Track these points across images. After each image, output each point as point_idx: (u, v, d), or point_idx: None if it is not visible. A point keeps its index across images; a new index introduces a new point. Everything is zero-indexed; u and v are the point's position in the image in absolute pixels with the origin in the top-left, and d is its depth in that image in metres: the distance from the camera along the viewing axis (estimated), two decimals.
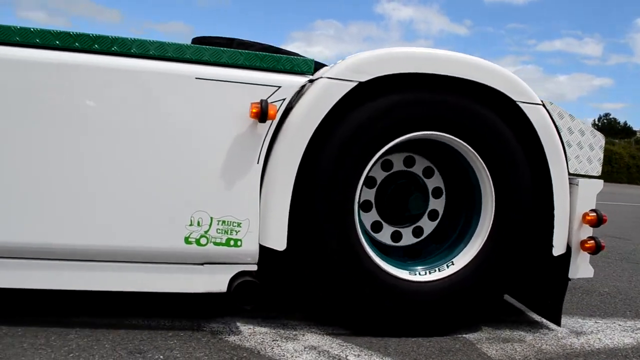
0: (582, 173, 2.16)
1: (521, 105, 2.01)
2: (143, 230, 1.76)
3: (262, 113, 1.72)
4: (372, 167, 2.00)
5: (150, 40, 1.76)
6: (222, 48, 1.83)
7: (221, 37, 2.54)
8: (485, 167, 2.03)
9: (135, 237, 1.76)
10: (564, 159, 2.08)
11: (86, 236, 1.73)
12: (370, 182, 2.15)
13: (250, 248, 1.83)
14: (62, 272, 1.72)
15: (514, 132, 2.04)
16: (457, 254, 2.10)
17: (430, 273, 2.06)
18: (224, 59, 1.81)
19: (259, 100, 1.74)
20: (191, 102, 1.76)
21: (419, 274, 2.05)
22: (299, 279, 2.02)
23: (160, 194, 1.76)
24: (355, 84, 1.85)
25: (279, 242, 1.83)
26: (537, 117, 2.03)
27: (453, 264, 2.07)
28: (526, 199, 2.07)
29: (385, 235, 2.20)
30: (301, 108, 1.82)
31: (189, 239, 1.78)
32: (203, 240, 1.80)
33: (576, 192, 2.11)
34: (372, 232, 2.18)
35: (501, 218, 2.06)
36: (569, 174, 2.11)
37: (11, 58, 1.66)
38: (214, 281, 1.84)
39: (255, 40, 2.41)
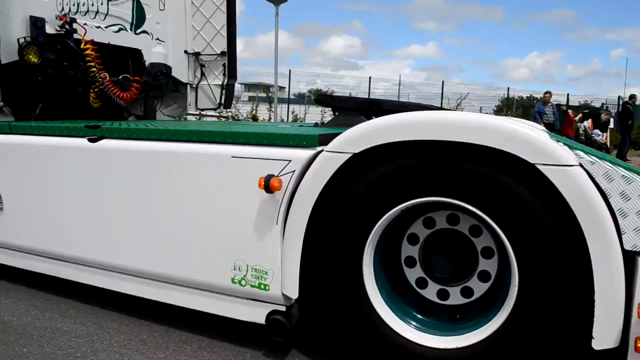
0: None
1: (541, 168, 1.80)
2: (207, 269, 2.44)
3: (265, 186, 2.16)
4: (389, 229, 2.16)
5: (203, 130, 2.42)
6: (251, 131, 2.32)
7: (340, 97, 2.99)
8: (505, 237, 1.91)
9: (203, 273, 2.46)
10: (611, 231, 1.74)
11: (173, 268, 2.53)
12: (413, 239, 2.27)
13: (276, 293, 2.29)
14: (160, 289, 2.58)
15: (540, 198, 1.84)
16: (481, 326, 2.03)
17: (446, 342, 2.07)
18: (252, 140, 2.31)
19: (265, 175, 2.17)
20: (231, 175, 2.33)
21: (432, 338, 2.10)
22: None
23: (215, 243, 2.40)
24: (349, 155, 2.06)
25: (292, 291, 2.23)
26: (565, 182, 1.78)
27: (473, 335, 2.03)
28: (556, 278, 1.83)
29: (430, 292, 2.28)
30: (305, 180, 2.16)
31: (234, 280, 2.38)
32: (243, 282, 2.36)
33: (637, 273, 1.74)
34: (417, 288, 2.30)
35: (525, 295, 1.89)
36: (624, 250, 1.75)
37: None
38: (255, 314, 2.37)
39: None
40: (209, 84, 4.95)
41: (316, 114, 16.91)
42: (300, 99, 22.28)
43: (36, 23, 3.45)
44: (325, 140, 2.19)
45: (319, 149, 2.18)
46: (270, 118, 17.10)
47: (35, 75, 3.49)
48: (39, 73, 3.50)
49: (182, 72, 4.83)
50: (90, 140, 2.72)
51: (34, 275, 3.09)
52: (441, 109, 3.99)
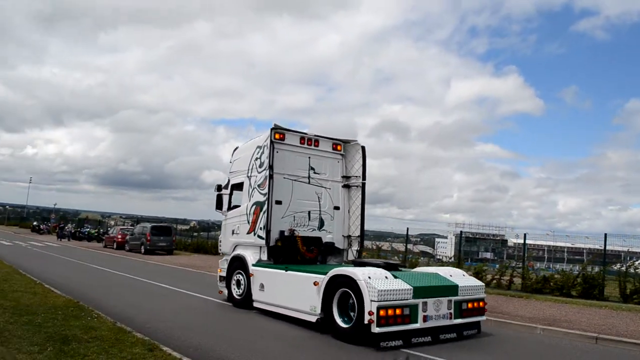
0: None
1: (357, 280, 9.03)
2: (305, 305, 10.09)
3: (314, 283, 9.80)
4: (340, 297, 9.51)
5: (300, 267, 10.25)
6: (315, 270, 10.05)
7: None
8: (354, 295, 9.12)
9: (304, 306, 10.11)
10: (367, 296, 8.80)
11: (298, 305, 10.27)
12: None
13: (317, 315, 9.77)
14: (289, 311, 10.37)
15: (356, 286, 9.01)
16: None
17: None
18: (311, 271, 10.02)
19: (314, 281, 9.81)
20: (306, 282, 10.03)
21: None
22: None
23: (303, 296, 10.07)
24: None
25: (319, 311, 9.71)
26: (360, 282, 8.96)
27: None
28: (360, 302, 8.94)
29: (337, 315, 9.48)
30: (323, 282, 9.75)
31: (311, 308, 9.96)
32: (314, 310, 9.92)
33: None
34: (338, 317, 9.51)
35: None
36: (371, 300, 8.77)
37: None
38: (312, 317, 9.88)
39: None
40: (351, 250, 12.79)
41: None
42: None
43: (281, 232, 11.95)
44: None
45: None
46: None
47: (279, 249, 11.91)
48: (280, 249, 11.91)
49: (340, 244, 12.84)
50: (285, 270, 10.83)
51: (275, 314, 11.18)
52: (392, 265, 10.87)
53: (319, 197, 12.74)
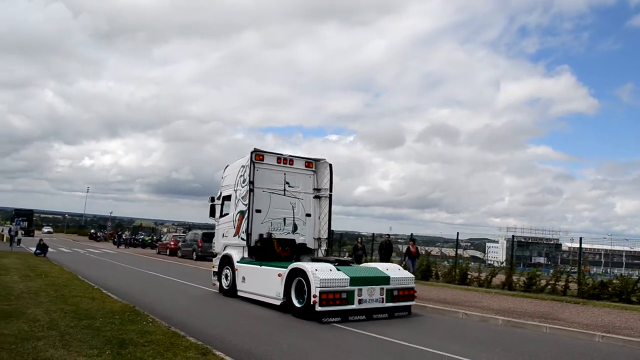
0: None
1: (306, 271, 11.80)
2: (272, 292, 12.95)
3: (279, 275, 12.63)
4: (296, 285, 12.30)
5: (270, 262, 13.10)
6: (276, 265, 12.88)
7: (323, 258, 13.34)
8: (304, 282, 11.90)
9: (272, 293, 12.96)
10: (312, 283, 11.57)
11: (269, 292, 13.14)
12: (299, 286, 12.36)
13: (281, 299, 12.59)
14: (273, 300, 13.24)
15: (305, 276, 11.78)
16: None
17: None
18: (275, 266, 12.86)
19: (279, 273, 12.65)
20: (272, 273, 12.88)
21: None
22: None
23: (273, 285, 12.92)
24: (291, 268, 12.45)
25: (281, 296, 12.52)
26: (309, 274, 11.73)
27: None
28: (308, 285, 11.71)
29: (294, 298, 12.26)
30: (287, 273, 12.57)
31: (277, 294, 12.79)
32: (279, 295, 12.76)
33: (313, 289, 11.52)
34: (295, 298, 12.29)
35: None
36: (315, 287, 11.53)
37: None
38: (278, 301, 12.70)
39: None
40: (321, 249, 15.53)
41: None
42: None
43: (261, 235, 14.87)
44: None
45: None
46: None
47: (258, 249, 14.82)
48: (260, 248, 14.81)
49: (312, 244, 15.64)
50: (260, 265, 13.76)
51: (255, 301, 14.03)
52: (342, 261, 13.53)
53: (293, 206, 15.63)
